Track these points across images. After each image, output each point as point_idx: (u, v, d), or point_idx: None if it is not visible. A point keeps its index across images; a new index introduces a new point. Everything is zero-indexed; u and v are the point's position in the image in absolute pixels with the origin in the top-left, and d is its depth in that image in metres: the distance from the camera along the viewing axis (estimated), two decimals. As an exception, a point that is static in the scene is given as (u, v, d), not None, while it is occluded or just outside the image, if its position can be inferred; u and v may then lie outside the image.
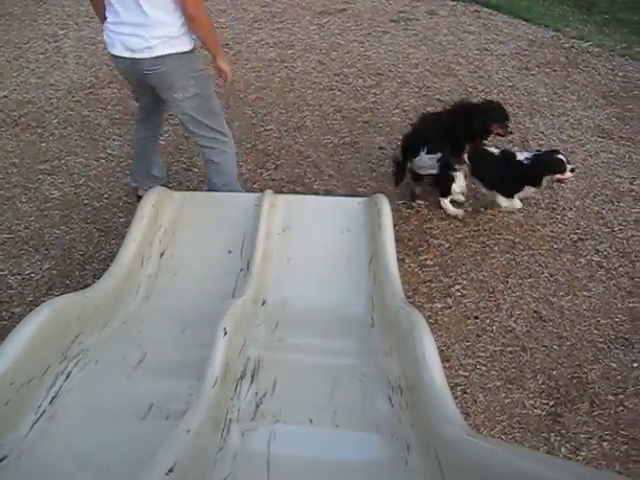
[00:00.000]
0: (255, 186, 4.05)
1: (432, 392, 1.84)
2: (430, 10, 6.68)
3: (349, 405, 2.06)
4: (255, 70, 5.42)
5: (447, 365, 3.05)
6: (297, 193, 3.94)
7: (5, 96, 5.06)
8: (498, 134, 3.88)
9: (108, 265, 3.41)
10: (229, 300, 2.43)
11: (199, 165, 4.22)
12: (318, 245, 2.97)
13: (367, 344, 2.46)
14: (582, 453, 2.74)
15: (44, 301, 3.19)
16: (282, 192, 3.94)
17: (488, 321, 3.29)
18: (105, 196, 3.99)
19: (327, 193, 3.99)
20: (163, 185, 3.33)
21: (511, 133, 4.06)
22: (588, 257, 3.66)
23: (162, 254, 2.90)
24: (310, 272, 2.83)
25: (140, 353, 2.26)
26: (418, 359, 1.96)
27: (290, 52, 5.74)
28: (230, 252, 2.92)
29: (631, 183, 4.20)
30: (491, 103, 3.96)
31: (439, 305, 3.35)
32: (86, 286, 3.30)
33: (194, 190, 3.96)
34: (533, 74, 5.48)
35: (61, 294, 3.27)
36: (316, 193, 3.98)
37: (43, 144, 4.47)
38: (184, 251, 2.92)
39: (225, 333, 2.05)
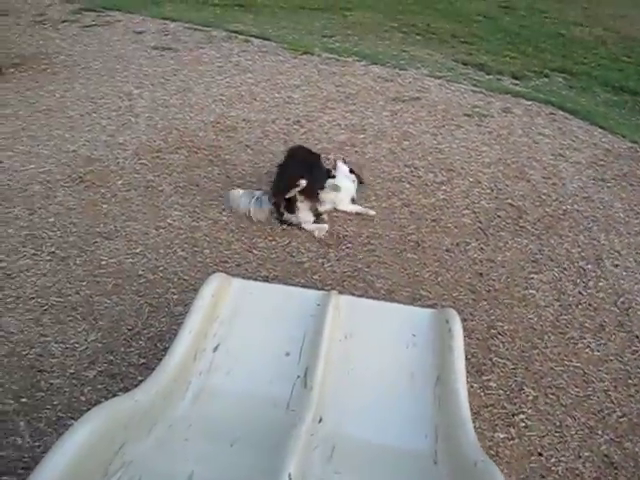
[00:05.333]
0: (315, 277, 3.88)
1: None
2: (505, 107, 6.59)
3: None
4: (324, 152, 5.31)
5: (506, 507, 2.79)
6: (358, 290, 3.77)
7: (74, 150, 5.04)
8: None
9: (155, 345, 3.32)
10: (284, 415, 2.25)
11: (260, 247, 4.09)
12: (381, 358, 2.78)
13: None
14: None
15: (85, 375, 3.04)
16: (342, 287, 3.78)
17: (553, 460, 3.01)
18: (160, 268, 3.85)
19: (389, 292, 3.80)
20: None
21: None
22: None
23: (216, 348, 2.74)
24: (371, 389, 2.64)
25: (187, 471, 2.06)
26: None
27: (362, 137, 5.64)
28: (288, 355, 2.75)
29: None
30: None
31: (501, 435, 3.09)
32: (130, 364, 3.20)
33: (252, 273, 3.82)
34: (609, 186, 5.28)
35: (103, 370, 3.15)
36: (378, 292, 3.80)
37: (104, 205, 4.39)
38: (239, 347, 2.76)
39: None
